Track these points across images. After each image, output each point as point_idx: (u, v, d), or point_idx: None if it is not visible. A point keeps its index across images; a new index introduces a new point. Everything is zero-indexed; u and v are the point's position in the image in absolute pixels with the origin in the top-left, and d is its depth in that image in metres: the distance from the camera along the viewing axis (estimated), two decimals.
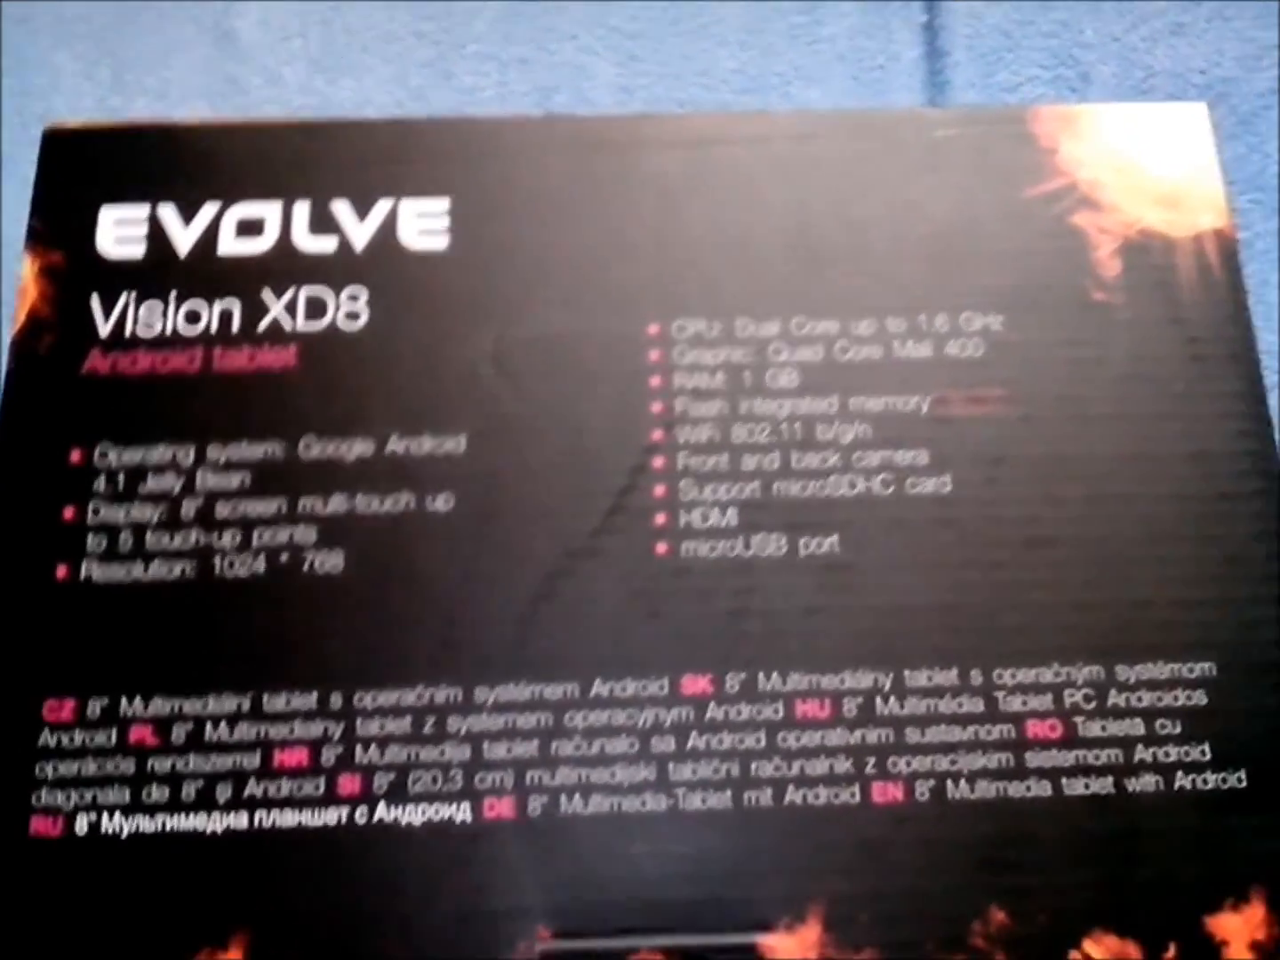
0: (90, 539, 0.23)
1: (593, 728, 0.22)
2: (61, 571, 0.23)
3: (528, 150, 0.26)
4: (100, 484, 0.23)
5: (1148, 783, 0.22)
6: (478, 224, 0.25)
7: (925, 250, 0.25)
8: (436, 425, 0.24)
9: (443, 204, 0.25)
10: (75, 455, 0.23)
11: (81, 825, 0.21)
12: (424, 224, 0.25)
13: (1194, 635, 0.23)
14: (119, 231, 0.25)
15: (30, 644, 0.22)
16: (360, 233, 0.25)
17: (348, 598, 0.23)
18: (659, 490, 0.24)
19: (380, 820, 0.21)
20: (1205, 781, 0.22)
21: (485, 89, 0.31)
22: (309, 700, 0.22)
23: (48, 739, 0.22)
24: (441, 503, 0.23)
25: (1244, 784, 0.22)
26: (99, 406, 0.24)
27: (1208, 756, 0.22)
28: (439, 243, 0.25)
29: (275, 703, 0.22)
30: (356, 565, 0.23)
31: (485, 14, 0.32)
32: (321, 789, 0.22)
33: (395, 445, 0.24)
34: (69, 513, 0.23)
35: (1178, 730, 0.22)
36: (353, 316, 0.25)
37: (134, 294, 0.25)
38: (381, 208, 0.25)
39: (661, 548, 0.23)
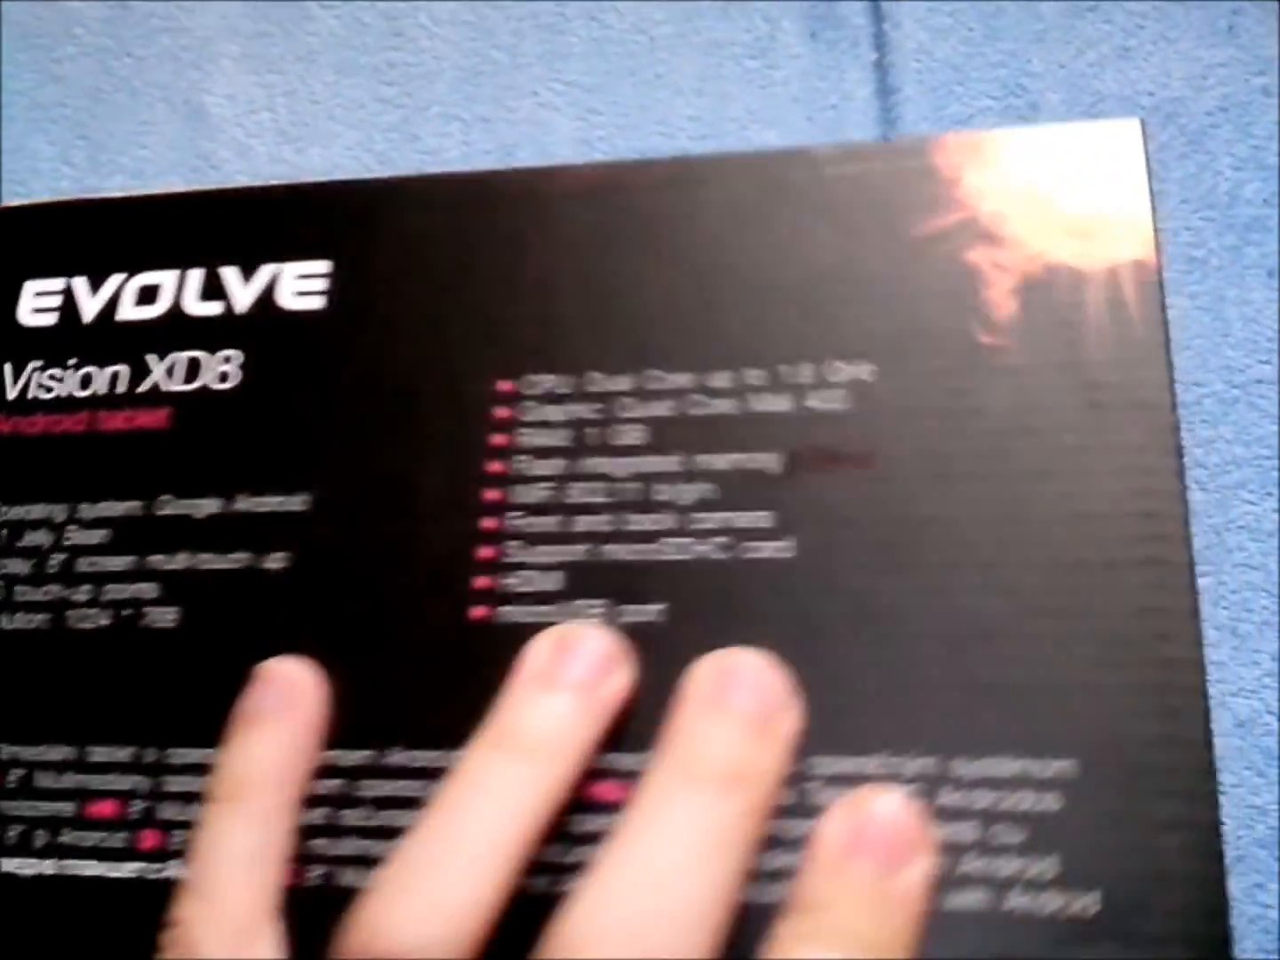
0: None
1: (381, 797, 0.21)
2: None
3: (404, 209, 0.26)
4: None
5: (972, 900, 0.19)
6: (355, 285, 0.25)
7: (798, 296, 0.23)
8: (283, 484, 0.24)
9: (324, 266, 0.26)
10: None
11: None
12: (303, 286, 0.26)
13: (1054, 727, 0.20)
14: (37, 303, 0.27)
15: None
16: (244, 297, 0.26)
17: (177, 653, 0.23)
18: (485, 552, 0.23)
19: (171, 878, 0.21)
20: (1047, 902, 0.19)
21: (449, 149, 0.32)
22: (125, 753, 0.22)
23: None
24: (276, 562, 0.23)
25: (1097, 908, 0.19)
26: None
27: (1054, 873, 0.19)
28: (315, 304, 0.25)
29: (98, 754, 0.23)
30: (191, 621, 0.23)
31: (446, 75, 0.32)
32: (124, 842, 0.22)
33: (242, 503, 0.24)
34: None
35: (1019, 839, 0.19)
36: (224, 378, 0.25)
37: (41, 360, 0.26)
38: (265, 272, 0.26)
39: (478, 612, 0.22)
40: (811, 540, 0.22)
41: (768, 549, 0.22)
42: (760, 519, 0.22)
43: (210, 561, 0.24)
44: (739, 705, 0.20)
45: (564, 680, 0.20)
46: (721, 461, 0.23)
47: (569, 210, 0.25)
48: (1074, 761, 0.20)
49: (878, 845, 0.18)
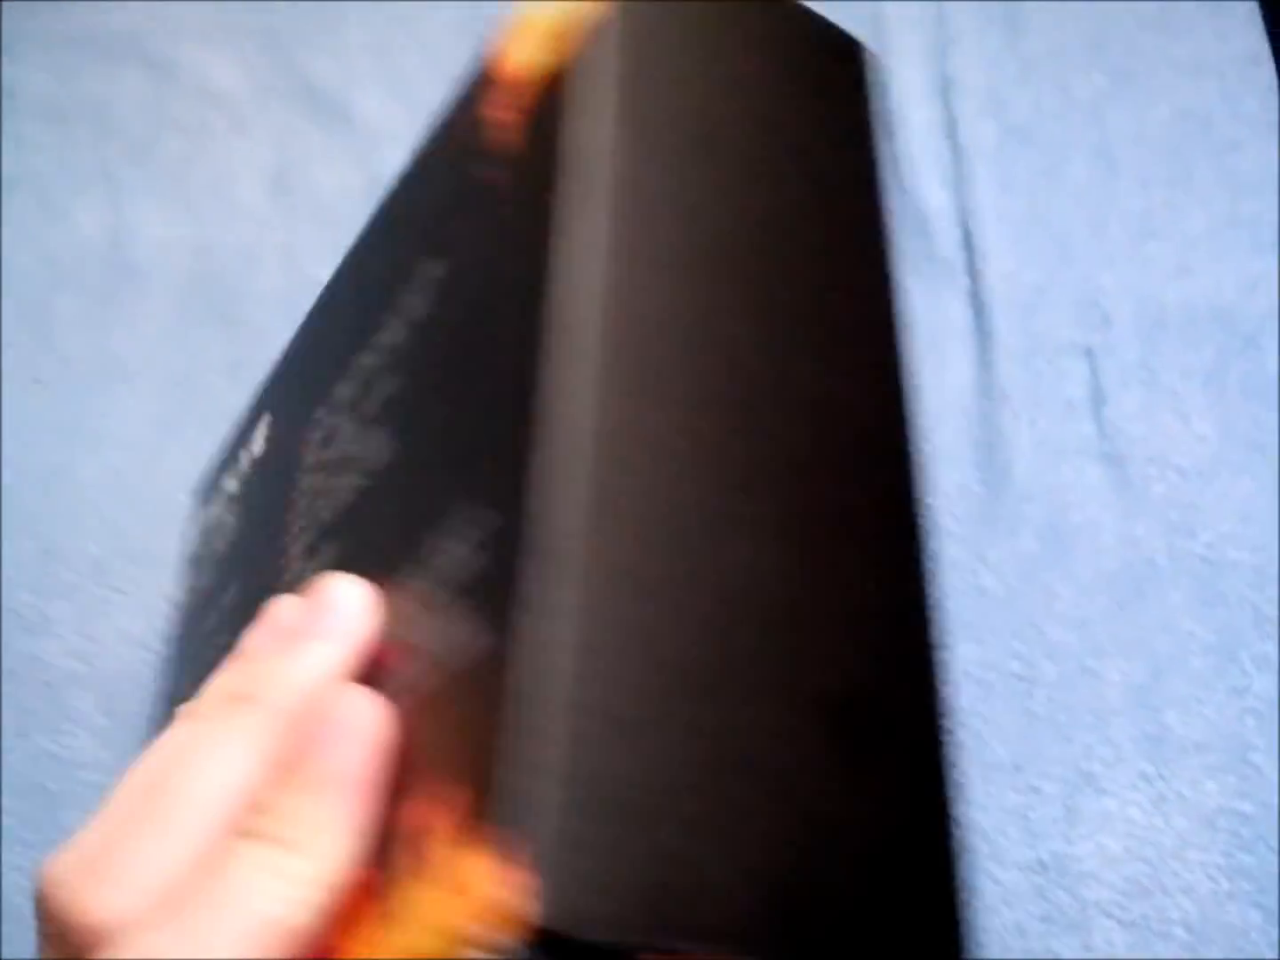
0: None
1: None
2: None
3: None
4: None
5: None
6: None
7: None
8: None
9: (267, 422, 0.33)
10: None
11: None
12: (260, 434, 0.33)
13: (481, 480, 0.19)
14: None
15: None
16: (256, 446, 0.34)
17: None
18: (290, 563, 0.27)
19: None
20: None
21: None
22: None
23: None
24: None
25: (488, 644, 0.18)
26: None
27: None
28: (260, 448, 0.33)
29: None
30: None
31: None
32: None
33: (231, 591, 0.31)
34: None
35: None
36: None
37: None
38: (260, 425, 0.34)
39: None
40: (394, 442, 0.23)
41: (369, 462, 0.24)
42: (370, 439, 0.24)
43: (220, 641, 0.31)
44: (300, 630, 0.22)
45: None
46: (367, 407, 0.25)
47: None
48: (494, 511, 0.19)
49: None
